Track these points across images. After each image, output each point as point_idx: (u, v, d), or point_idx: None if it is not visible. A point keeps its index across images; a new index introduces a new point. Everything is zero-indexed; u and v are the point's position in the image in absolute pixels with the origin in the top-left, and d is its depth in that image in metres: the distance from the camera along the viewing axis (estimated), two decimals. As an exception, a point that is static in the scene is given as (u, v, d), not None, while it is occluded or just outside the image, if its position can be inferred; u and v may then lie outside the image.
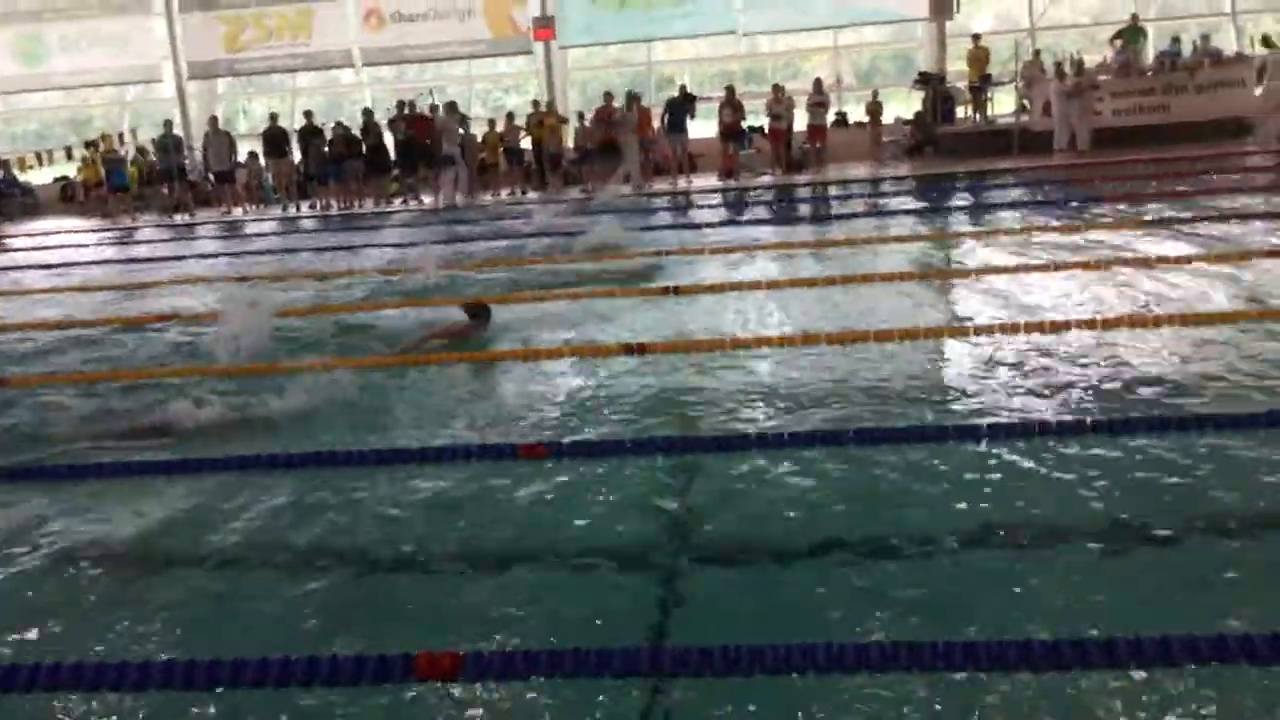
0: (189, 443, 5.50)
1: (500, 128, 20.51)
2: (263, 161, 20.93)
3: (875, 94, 21.23)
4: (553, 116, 20.35)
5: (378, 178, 20.17)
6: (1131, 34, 19.60)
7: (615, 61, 25.21)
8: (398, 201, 20.06)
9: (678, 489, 4.61)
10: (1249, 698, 2.81)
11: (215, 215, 20.25)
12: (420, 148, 19.51)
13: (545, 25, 22.28)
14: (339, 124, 20.44)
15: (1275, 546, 3.76)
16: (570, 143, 20.95)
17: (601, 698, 3.02)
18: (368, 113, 20.49)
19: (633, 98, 19.49)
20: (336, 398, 6.08)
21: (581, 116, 20.74)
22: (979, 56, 20.30)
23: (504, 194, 19.72)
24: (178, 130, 22.03)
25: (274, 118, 20.92)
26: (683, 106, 19.42)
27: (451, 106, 19.52)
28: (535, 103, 20.86)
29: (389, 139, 20.04)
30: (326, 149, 20.00)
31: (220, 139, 20.47)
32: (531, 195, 19.39)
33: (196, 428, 5.70)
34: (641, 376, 6.29)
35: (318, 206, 20.27)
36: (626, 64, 25.07)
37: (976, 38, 20.71)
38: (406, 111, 19.88)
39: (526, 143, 20.37)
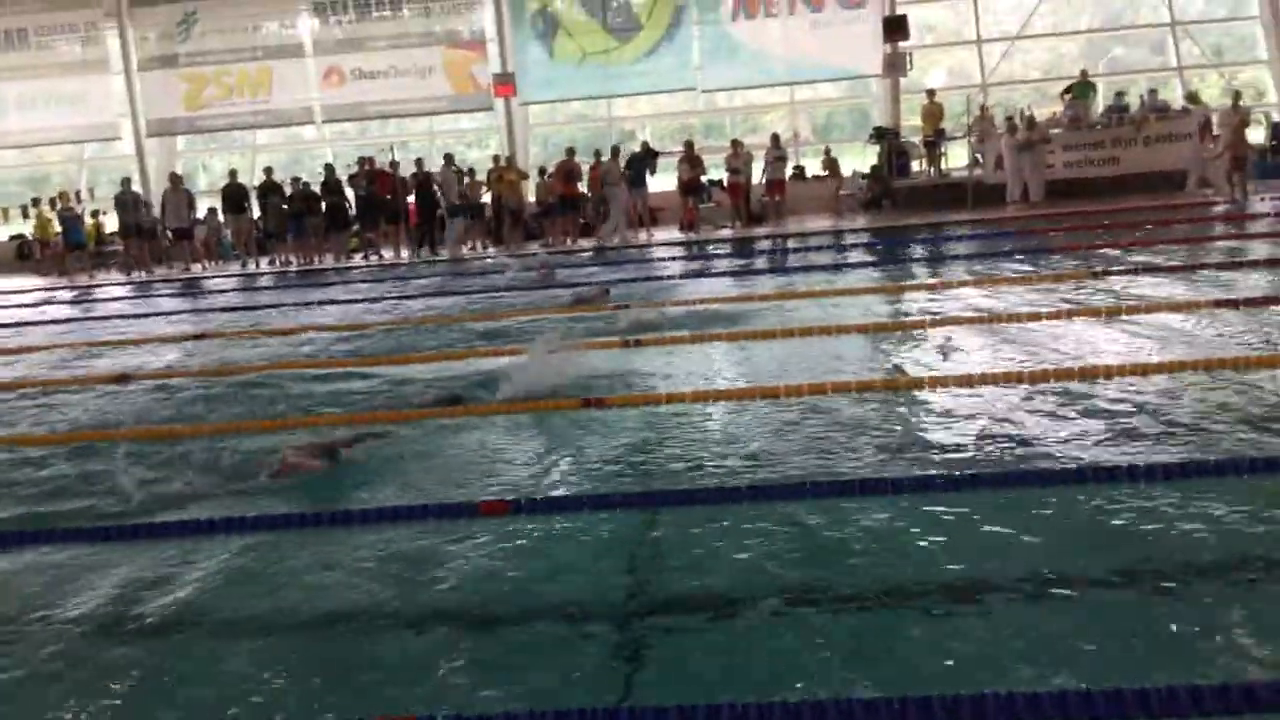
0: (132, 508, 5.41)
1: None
2: (221, 218, 20.85)
3: (828, 150, 21.64)
4: (513, 171, 20.46)
5: (338, 233, 20.13)
6: (1081, 89, 20.11)
7: (577, 116, 25.45)
8: (358, 257, 20.01)
9: (640, 544, 4.59)
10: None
11: (175, 273, 20.12)
12: (380, 203, 19.53)
13: (505, 82, 22.48)
14: (298, 180, 20.42)
15: (1205, 597, 3.79)
16: (532, 197, 21.06)
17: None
18: (329, 168, 20.51)
19: (615, 150, 19.65)
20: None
21: (543, 172, 20.87)
22: (933, 111, 20.71)
23: (464, 249, 19.72)
24: (136, 187, 21.92)
25: (233, 174, 20.89)
26: (644, 161, 19.61)
27: (448, 159, 19.59)
28: (495, 157, 20.98)
29: (351, 194, 20.04)
30: (286, 205, 19.97)
31: (179, 195, 20.39)
32: (491, 250, 19.46)
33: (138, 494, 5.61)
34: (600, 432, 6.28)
35: (277, 263, 20.18)
36: (588, 119, 25.31)
37: (931, 93, 21.12)
38: (367, 167, 19.91)
39: (487, 197, 20.45)
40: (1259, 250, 11.99)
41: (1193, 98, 19.32)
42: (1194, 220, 15.18)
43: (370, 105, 24.03)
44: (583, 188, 19.80)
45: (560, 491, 5.27)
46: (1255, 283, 9.72)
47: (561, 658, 3.64)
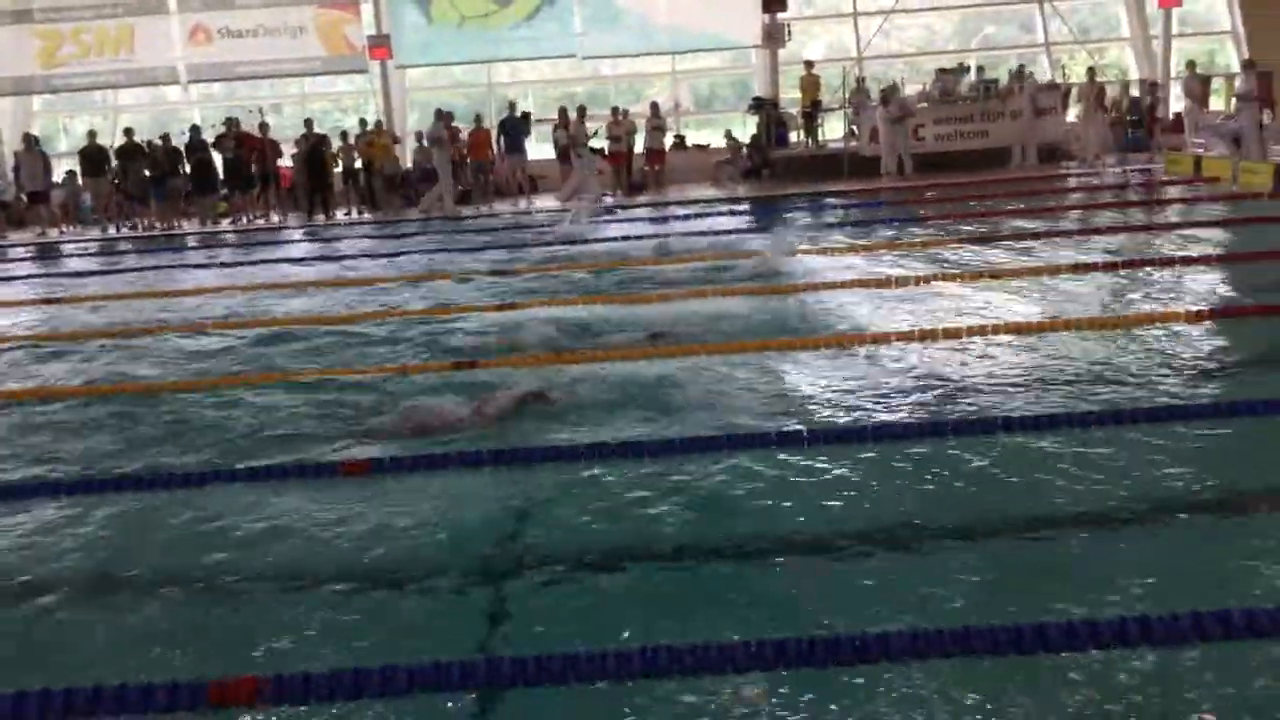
0: None
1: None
2: (80, 181, 19.94)
3: (729, 133, 21.54)
4: (384, 136, 19.99)
5: (203, 197, 19.43)
6: (954, 67, 20.63)
7: (457, 83, 24.99)
8: (226, 222, 19.35)
9: (506, 501, 4.54)
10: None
11: (30, 237, 19.18)
12: (248, 166, 18.92)
13: (380, 44, 21.89)
14: (161, 139, 19.60)
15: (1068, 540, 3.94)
16: (409, 163, 20.63)
17: (416, 716, 2.93)
18: (194, 129, 19.75)
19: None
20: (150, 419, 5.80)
21: (419, 137, 20.46)
22: (811, 83, 20.94)
23: (340, 214, 19.25)
24: (-12, 148, 20.80)
25: (92, 135, 19.96)
26: (519, 126, 19.36)
27: (439, 115, 19.07)
28: (362, 121, 20.48)
29: (219, 158, 19.35)
30: (150, 170, 19.19)
31: (34, 158, 19.38)
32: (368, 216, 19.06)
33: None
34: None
35: (139, 227, 19.39)
36: (468, 85, 24.88)
37: (808, 65, 21.36)
38: (234, 130, 19.24)
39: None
40: (1115, 216, 12.51)
41: (1021, 74, 20.00)
42: (1056, 190, 15.75)
43: (239, 66, 23.13)
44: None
45: (421, 450, 5.18)
46: (1117, 245, 10.17)
47: (426, 613, 3.60)
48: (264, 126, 19.38)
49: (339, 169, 19.81)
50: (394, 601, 3.72)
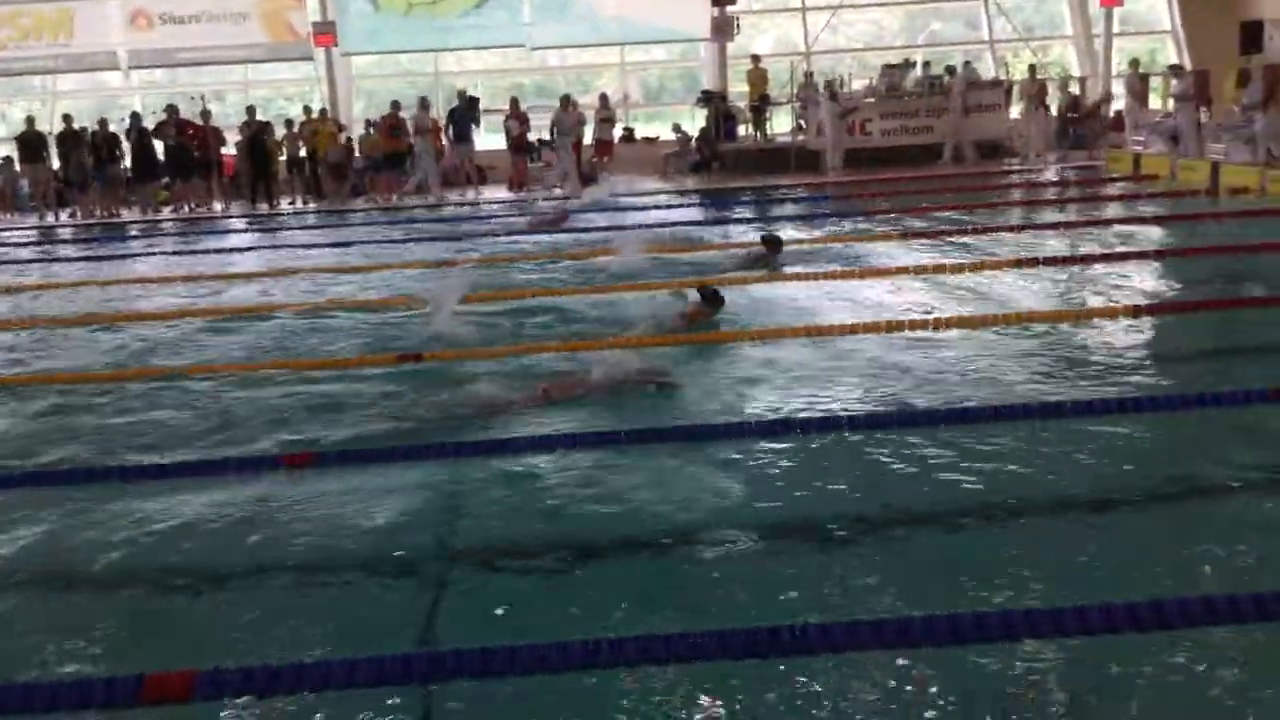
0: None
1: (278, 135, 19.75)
2: (18, 168, 19.51)
3: (677, 126, 21.55)
4: (329, 124, 19.75)
5: (144, 185, 19.09)
6: (900, 62, 20.83)
7: (404, 71, 24.76)
8: (167, 210, 19.03)
9: (446, 493, 4.54)
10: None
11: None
12: (190, 154, 18.62)
13: (325, 31, 21.58)
14: (99, 125, 19.21)
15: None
16: (358, 152, 20.38)
17: (353, 709, 2.93)
18: (135, 116, 19.37)
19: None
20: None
21: (368, 125, 20.23)
22: (759, 77, 21.03)
23: (284, 203, 19.01)
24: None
25: (30, 121, 19.53)
26: (467, 115, 19.23)
27: (424, 103, 18.97)
28: (307, 109, 20.22)
29: (161, 146, 18.98)
30: (90, 156, 18.81)
31: (-32, 143, 18.95)
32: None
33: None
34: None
35: (78, 215, 19.01)
36: (415, 74, 24.65)
37: (756, 59, 21.45)
38: (175, 117, 18.90)
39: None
40: (1053, 213, 12.73)
41: (951, 70, 20.28)
42: (996, 186, 15.98)
43: (180, 52, 22.72)
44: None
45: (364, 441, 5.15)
46: (1050, 242, 10.35)
47: (368, 606, 3.60)
48: (206, 114, 19.07)
49: (283, 157, 19.56)
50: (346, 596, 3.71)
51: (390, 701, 2.96)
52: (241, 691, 2.89)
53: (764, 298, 8.23)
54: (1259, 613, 2.91)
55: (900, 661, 2.98)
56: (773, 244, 9.76)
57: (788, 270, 9.25)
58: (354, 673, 2.89)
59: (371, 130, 19.80)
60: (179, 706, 2.84)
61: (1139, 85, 19.40)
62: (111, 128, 19.17)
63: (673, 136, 21.15)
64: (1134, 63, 19.94)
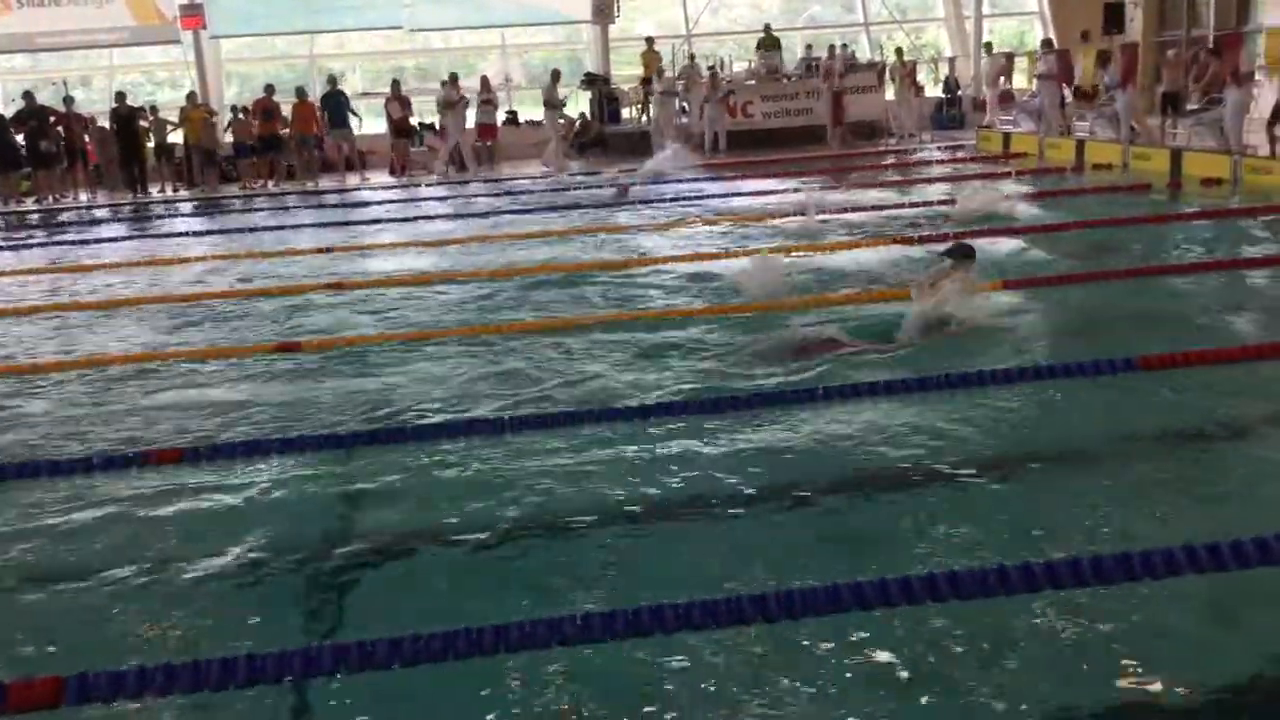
0: None
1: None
2: None
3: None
4: (200, 110, 19.13)
5: (6, 175, 18.23)
6: (768, 41, 21.09)
7: (279, 54, 24.12)
8: (30, 201, 18.22)
9: (329, 486, 4.48)
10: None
11: None
12: (52, 142, 17.88)
13: (193, 13, 20.82)
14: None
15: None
16: (229, 138, 19.79)
17: (236, 709, 2.89)
18: (-11, 103, 18.51)
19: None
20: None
21: (235, 110, 19.61)
22: (652, 59, 21.08)
23: (154, 191, 18.37)
24: None
25: (-124, 109, 18.51)
26: (338, 100, 18.86)
27: (453, 78, 18.98)
28: (190, 95, 19.57)
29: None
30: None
31: None
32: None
33: None
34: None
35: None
36: (290, 57, 24.05)
37: (649, 40, 21.53)
38: (34, 105, 18.09)
39: (176, 137, 19.06)
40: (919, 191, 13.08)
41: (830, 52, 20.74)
42: (868, 167, 16.37)
43: (41, 36, 21.73)
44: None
45: (240, 435, 5.05)
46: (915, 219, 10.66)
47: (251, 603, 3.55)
48: (69, 101, 18.31)
49: (151, 144, 18.88)
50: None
51: (267, 701, 2.92)
52: (111, 696, 2.82)
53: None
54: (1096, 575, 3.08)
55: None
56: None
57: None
58: (228, 672, 2.85)
59: (242, 115, 19.21)
60: (47, 713, 2.77)
61: (999, 66, 20.11)
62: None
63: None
64: (988, 45, 20.80)
